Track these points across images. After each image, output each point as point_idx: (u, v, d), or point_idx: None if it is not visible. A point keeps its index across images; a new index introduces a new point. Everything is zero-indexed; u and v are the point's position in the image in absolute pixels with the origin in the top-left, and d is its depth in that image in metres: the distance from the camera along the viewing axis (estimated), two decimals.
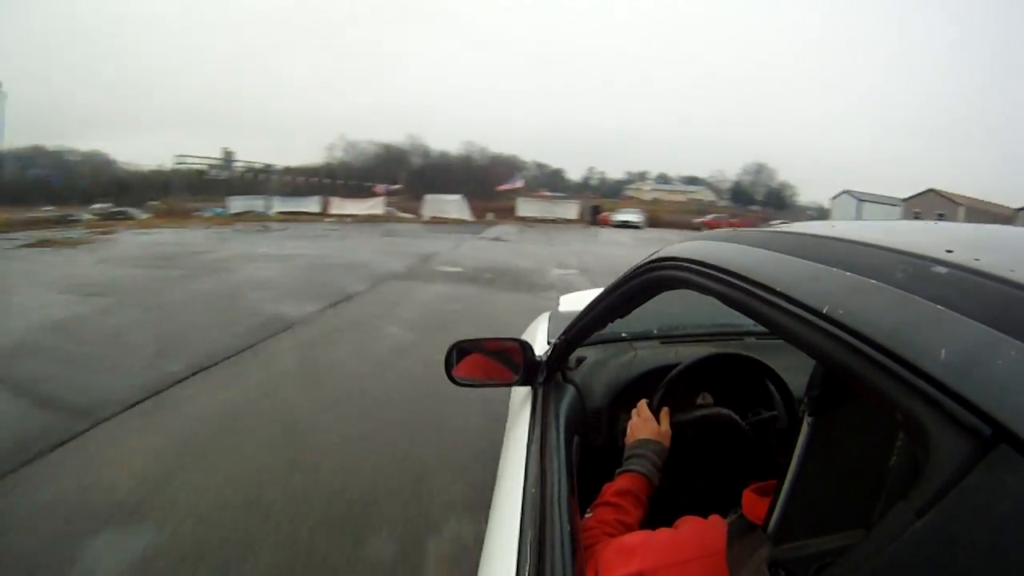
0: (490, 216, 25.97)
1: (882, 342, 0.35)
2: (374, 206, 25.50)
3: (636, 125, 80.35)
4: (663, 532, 0.66)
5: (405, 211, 25.94)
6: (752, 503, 0.57)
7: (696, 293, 0.65)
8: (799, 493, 0.49)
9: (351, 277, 7.78)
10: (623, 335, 1.44)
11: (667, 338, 1.46)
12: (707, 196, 50.01)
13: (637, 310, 0.94)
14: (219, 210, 24.15)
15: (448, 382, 1.23)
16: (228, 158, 31.59)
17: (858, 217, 23.04)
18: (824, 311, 0.41)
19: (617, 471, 0.89)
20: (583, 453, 1.06)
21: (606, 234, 20.56)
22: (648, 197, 44.47)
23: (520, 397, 1.33)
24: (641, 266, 0.84)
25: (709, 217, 30.03)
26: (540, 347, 1.39)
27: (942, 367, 0.31)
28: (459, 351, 1.24)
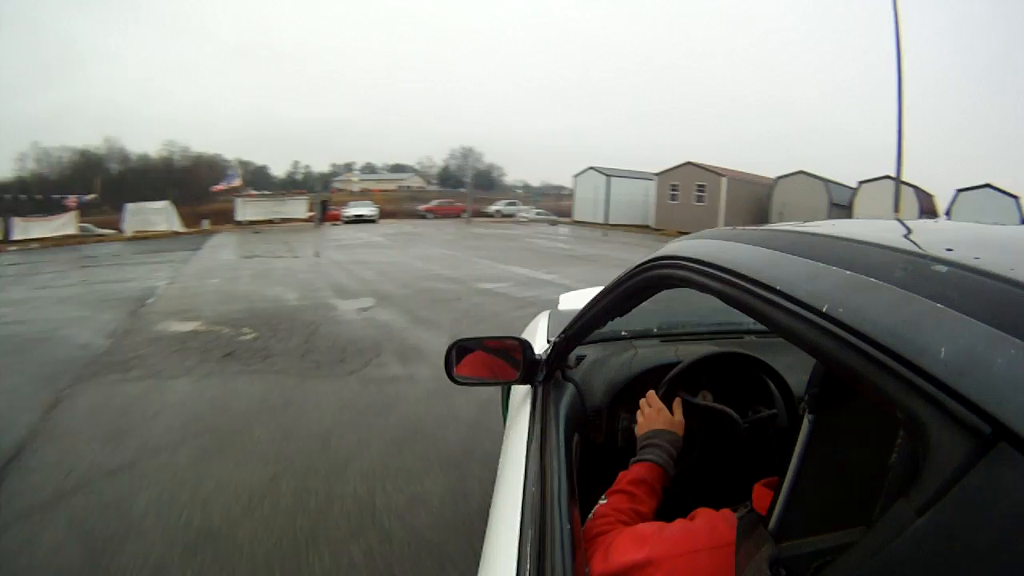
0: (205, 223, 21.34)
1: (882, 340, 0.35)
2: (65, 224, 19.32)
3: (337, 117, 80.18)
4: (677, 523, 0.66)
5: (104, 226, 21.12)
6: (762, 497, 0.57)
7: (696, 291, 0.65)
8: (800, 490, 0.49)
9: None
10: (623, 333, 1.44)
11: (667, 336, 1.46)
12: (416, 183, 50.59)
13: (637, 308, 0.94)
14: None
15: None
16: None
17: (608, 192, 22.56)
18: (824, 309, 0.41)
19: (632, 460, 0.89)
20: (583, 451, 1.06)
21: (347, 232, 17.87)
22: (357, 188, 43.02)
23: (520, 395, 1.33)
24: (641, 264, 0.84)
25: (433, 203, 30.01)
26: (540, 345, 1.39)
27: (942, 365, 0.31)
28: (459, 350, 1.24)
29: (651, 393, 1.01)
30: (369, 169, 57.49)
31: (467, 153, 49.03)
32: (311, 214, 23.52)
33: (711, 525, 0.63)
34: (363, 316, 5.77)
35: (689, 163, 20.50)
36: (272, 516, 2.17)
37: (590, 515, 0.79)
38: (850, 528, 0.41)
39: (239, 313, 5.92)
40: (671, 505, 0.83)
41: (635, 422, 1.13)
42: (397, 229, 18.37)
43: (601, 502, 0.82)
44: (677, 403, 0.98)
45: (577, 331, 1.11)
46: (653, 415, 0.95)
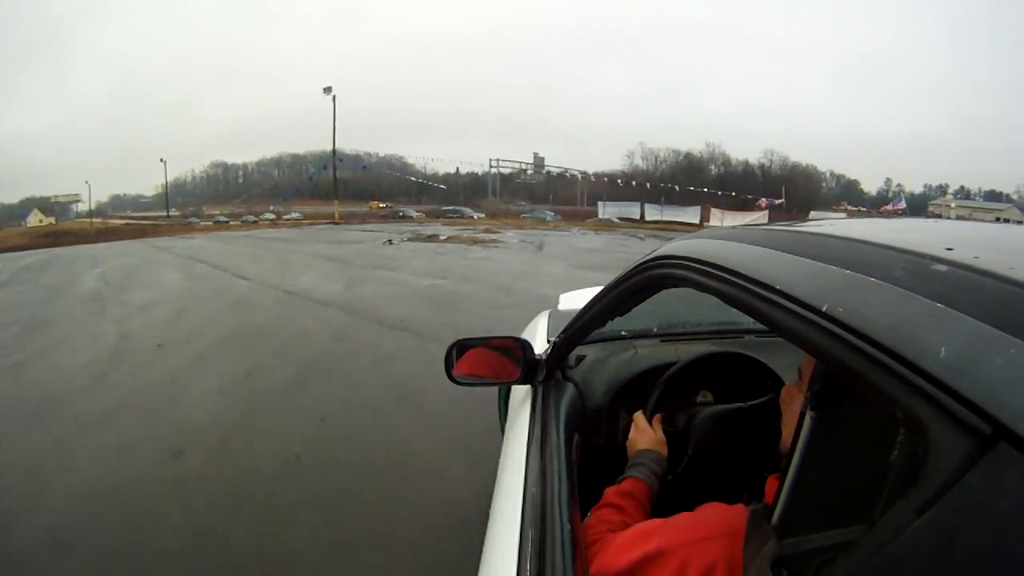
0: None
1: (882, 340, 0.35)
2: (758, 220, 22.50)
3: (928, 133, 69.88)
4: (683, 515, 0.65)
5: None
6: (774, 488, 0.56)
7: (696, 291, 0.65)
8: (802, 488, 0.49)
9: None
10: (623, 333, 1.44)
11: (667, 336, 1.46)
12: (1014, 215, 37.80)
13: (637, 308, 0.94)
14: (549, 214, 25.25)
15: None
16: (539, 163, 32.23)
17: None
18: (824, 309, 0.41)
19: (619, 478, 0.90)
20: (583, 451, 1.06)
21: None
22: (954, 215, 35.59)
23: (520, 396, 1.33)
24: (641, 264, 0.83)
25: None
26: (540, 345, 1.39)
27: (942, 365, 0.31)
28: (459, 349, 1.23)
29: (638, 414, 1.02)
30: (963, 193, 48.34)
31: None
32: None
33: (722, 513, 0.62)
34: None
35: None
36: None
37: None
38: (853, 525, 0.41)
39: None
40: (675, 506, 0.83)
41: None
42: None
43: (588, 517, 0.81)
44: (656, 420, 1.00)
45: (577, 331, 1.11)
46: (637, 436, 0.98)
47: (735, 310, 0.56)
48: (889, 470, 0.38)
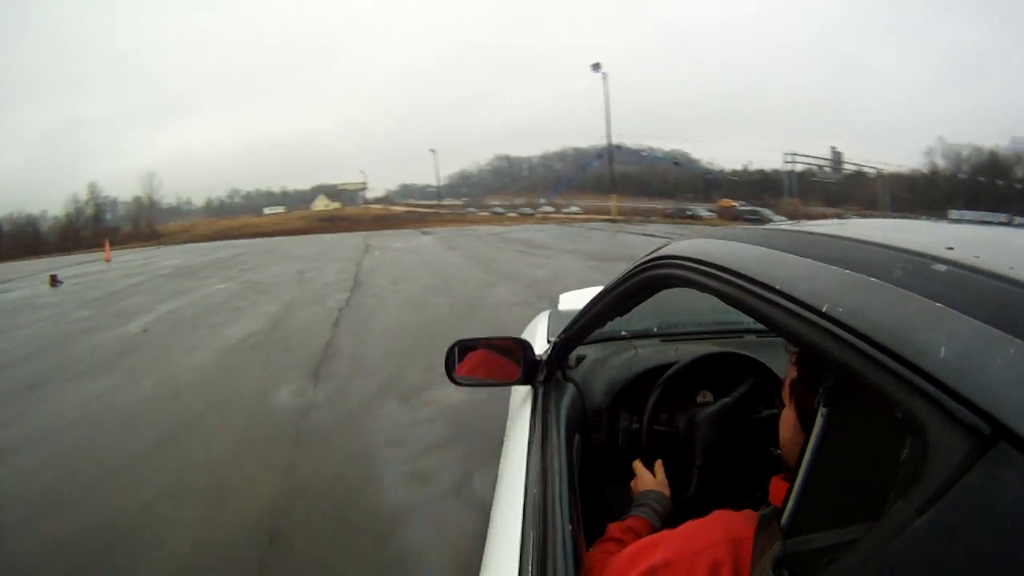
0: None
1: (881, 340, 0.35)
2: None
3: None
4: (688, 524, 0.64)
5: None
6: (779, 491, 0.56)
7: (696, 291, 0.65)
8: (813, 485, 0.49)
9: None
10: (623, 333, 1.44)
11: (667, 336, 1.46)
12: None
13: (637, 308, 0.93)
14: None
15: None
16: (836, 159, 27.96)
17: None
18: (823, 309, 0.41)
19: (622, 516, 0.90)
20: (584, 452, 1.06)
21: None
22: None
23: (520, 396, 1.33)
24: (641, 264, 0.83)
25: None
26: (540, 346, 1.39)
27: (942, 365, 0.31)
28: (460, 350, 1.23)
29: (636, 463, 1.04)
30: None
31: None
32: None
33: (726, 520, 0.61)
34: None
35: None
36: None
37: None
38: (863, 523, 0.41)
39: None
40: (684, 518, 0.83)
41: (636, 422, 1.13)
42: None
43: (591, 550, 0.81)
44: (659, 466, 1.02)
45: (577, 331, 1.11)
46: (638, 483, 1.00)
47: (735, 310, 0.56)
48: (899, 467, 0.38)
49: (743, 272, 0.54)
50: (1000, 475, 0.26)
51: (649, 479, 0.99)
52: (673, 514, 0.89)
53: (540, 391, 1.17)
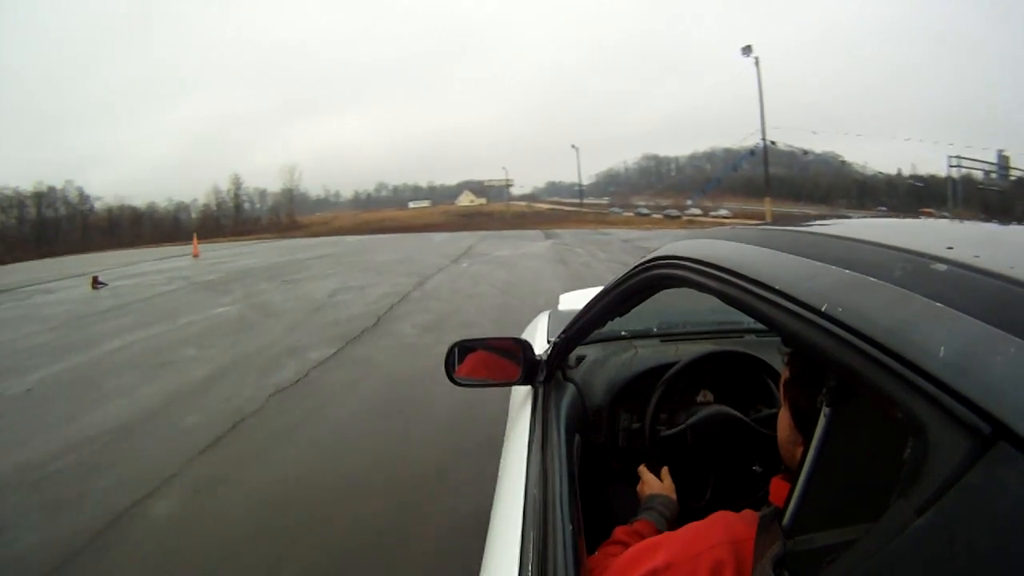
0: None
1: (881, 340, 0.35)
2: None
3: None
4: (689, 526, 0.64)
5: None
6: (780, 491, 0.56)
7: (696, 291, 0.65)
8: (815, 485, 0.48)
9: None
10: (623, 333, 1.44)
11: (667, 336, 1.46)
12: None
13: (637, 308, 0.93)
14: None
15: None
16: (1004, 163, 25.40)
17: None
18: (823, 309, 0.41)
19: (630, 520, 0.90)
20: (584, 452, 1.06)
21: None
22: None
23: (520, 396, 1.33)
24: (640, 264, 0.83)
25: None
26: (540, 346, 1.39)
27: (941, 364, 0.31)
28: (460, 351, 1.23)
29: (642, 467, 1.04)
30: None
31: None
32: None
33: (726, 521, 0.61)
34: None
35: None
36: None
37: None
38: (865, 523, 0.41)
39: None
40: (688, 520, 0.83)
41: (636, 422, 1.13)
42: None
43: (595, 554, 0.80)
44: (665, 472, 1.02)
45: (577, 331, 1.11)
46: (645, 488, 1.00)
47: (735, 310, 0.56)
48: (902, 466, 0.38)
49: (743, 272, 0.54)
50: (1000, 475, 0.26)
51: (655, 483, 0.99)
52: (680, 518, 0.89)
53: (540, 391, 1.17)
